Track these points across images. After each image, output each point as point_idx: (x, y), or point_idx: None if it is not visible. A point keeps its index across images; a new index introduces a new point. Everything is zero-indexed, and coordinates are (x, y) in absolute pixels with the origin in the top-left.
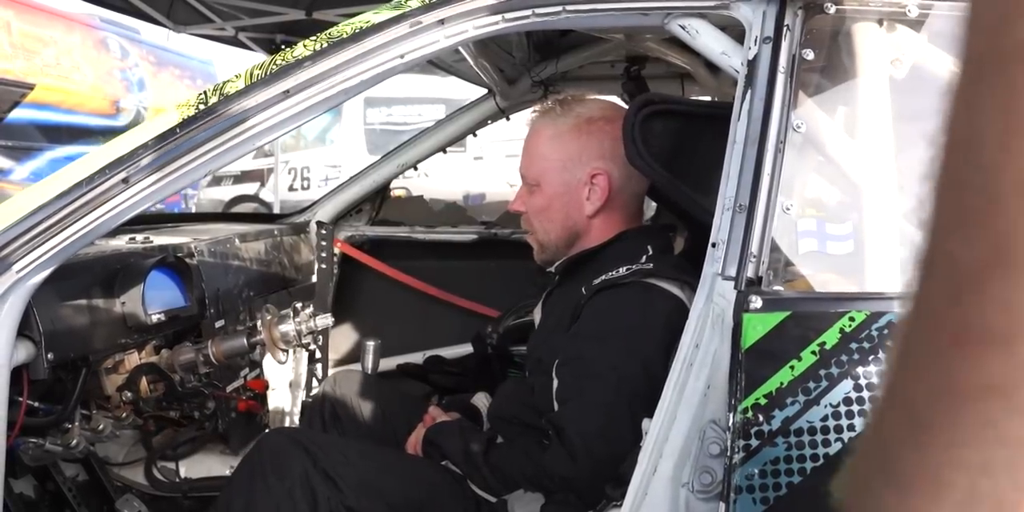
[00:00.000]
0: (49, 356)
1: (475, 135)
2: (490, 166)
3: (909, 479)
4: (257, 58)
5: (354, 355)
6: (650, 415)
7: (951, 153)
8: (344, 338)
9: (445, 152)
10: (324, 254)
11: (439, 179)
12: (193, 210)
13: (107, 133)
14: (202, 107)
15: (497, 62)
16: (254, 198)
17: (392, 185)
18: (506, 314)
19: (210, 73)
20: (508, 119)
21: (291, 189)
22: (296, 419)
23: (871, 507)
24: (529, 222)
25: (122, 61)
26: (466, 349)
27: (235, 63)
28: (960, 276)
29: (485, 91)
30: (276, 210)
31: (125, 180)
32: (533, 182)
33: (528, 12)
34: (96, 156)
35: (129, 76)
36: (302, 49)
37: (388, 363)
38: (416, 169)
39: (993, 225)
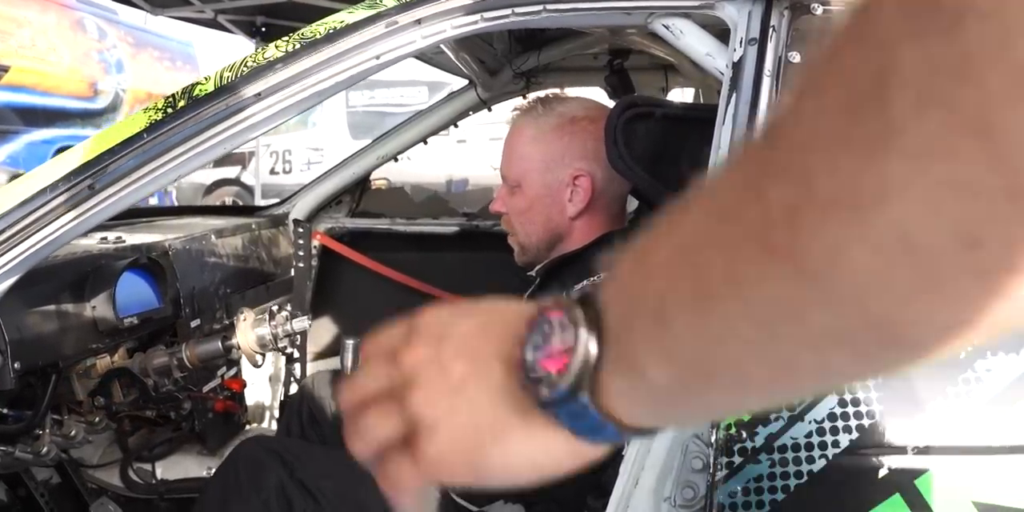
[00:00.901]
0: (16, 366)
1: (456, 126)
2: (474, 149)
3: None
4: (237, 41)
5: (333, 348)
6: None
7: None
8: (324, 331)
9: (426, 143)
10: (302, 253)
11: (422, 163)
12: (174, 193)
13: (85, 116)
14: (170, 111)
15: (478, 53)
16: (235, 181)
17: (373, 174)
18: None
19: (190, 55)
20: (490, 110)
21: (272, 172)
22: (275, 414)
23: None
24: (510, 223)
25: (99, 42)
26: None
27: (216, 45)
28: None
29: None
30: (257, 193)
31: (91, 187)
32: (514, 183)
33: (507, 11)
34: (60, 162)
35: (107, 58)
36: (274, 50)
37: None
38: (397, 160)
39: None
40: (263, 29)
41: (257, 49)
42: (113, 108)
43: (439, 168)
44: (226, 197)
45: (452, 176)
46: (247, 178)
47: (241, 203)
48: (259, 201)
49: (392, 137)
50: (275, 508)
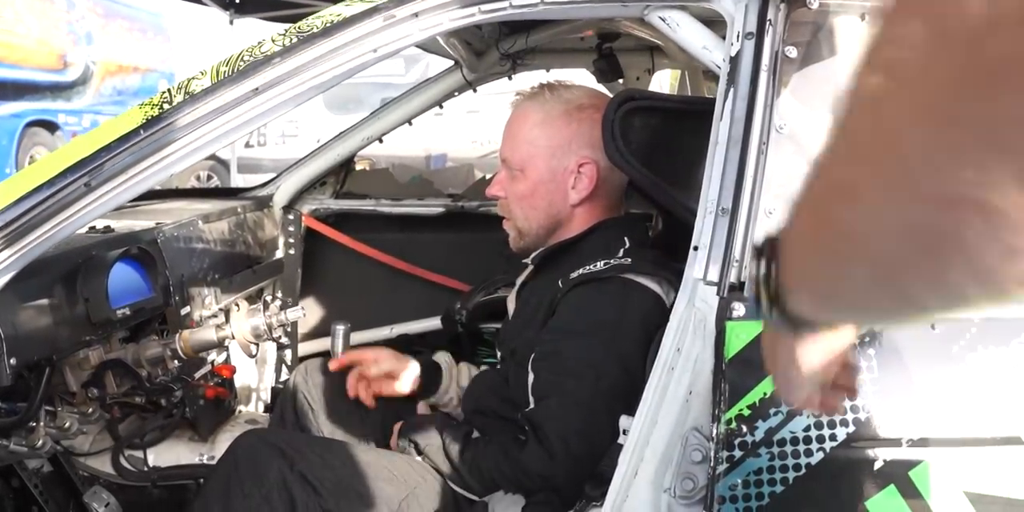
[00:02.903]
0: (11, 362)
1: (441, 107)
2: (452, 122)
3: None
4: (210, 12)
5: (321, 329)
6: (628, 412)
7: None
8: (310, 312)
9: (411, 124)
10: (292, 240)
11: (400, 137)
12: None
13: (55, 88)
14: (167, 107)
15: (465, 36)
16: (210, 156)
17: (356, 157)
18: (474, 291)
19: (160, 26)
20: (475, 91)
21: (248, 146)
22: (263, 397)
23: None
24: (508, 208)
25: (68, 13)
26: (435, 323)
27: (187, 16)
28: None
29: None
30: (233, 167)
31: (87, 184)
32: (517, 167)
33: (505, 3)
34: (56, 158)
35: (76, 29)
36: (270, 44)
37: (356, 337)
38: (381, 141)
39: None
40: (237, 0)
41: (259, 41)
42: (83, 80)
43: (417, 142)
44: (200, 171)
45: (431, 151)
46: (222, 152)
47: (216, 177)
48: (235, 175)
49: (377, 118)
50: (277, 501)
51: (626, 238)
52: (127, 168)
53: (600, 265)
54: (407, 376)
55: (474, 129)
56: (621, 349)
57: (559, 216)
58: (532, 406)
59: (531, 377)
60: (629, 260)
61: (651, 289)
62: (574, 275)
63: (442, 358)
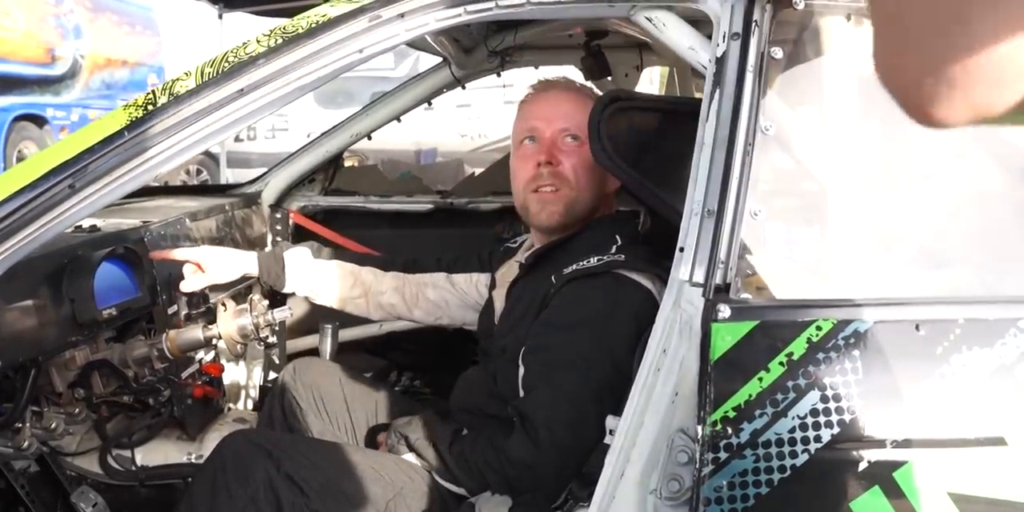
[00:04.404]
0: None
1: (430, 104)
2: (441, 116)
3: None
4: (200, 6)
5: (309, 328)
6: (617, 406)
7: None
8: (299, 311)
9: (399, 121)
10: (280, 238)
11: (390, 131)
12: None
13: (43, 82)
14: (151, 108)
15: (453, 33)
16: None
17: (346, 152)
18: None
19: (150, 19)
20: (464, 88)
21: (237, 140)
22: (252, 394)
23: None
24: (562, 175)
25: (56, 7)
26: None
27: (176, 10)
28: None
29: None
30: (223, 162)
31: (71, 186)
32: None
33: (491, 3)
34: (40, 160)
35: (64, 22)
36: (255, 45)
37: (346, 334)
38: (370, 138)
39: None
40: None
41: (242, 42)
42: (72, 74)
43: (407, 137)
44: (190, 165)
45: (421, 145)
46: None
47: (205, 172)
48: (224, 169)
49: (365, 115)
50: (263, 502)
51: (617, 235)
52: (112, 170)
53: (593, 261)
54: (213, 265)
55: (464, 123)
56: (611, 343)
57: (599, 197)
58: (521, 397)
59: (521, 370)
60: (622, 256)
61: (643, 285)
62: (567, 271)
63: (293, 251)
